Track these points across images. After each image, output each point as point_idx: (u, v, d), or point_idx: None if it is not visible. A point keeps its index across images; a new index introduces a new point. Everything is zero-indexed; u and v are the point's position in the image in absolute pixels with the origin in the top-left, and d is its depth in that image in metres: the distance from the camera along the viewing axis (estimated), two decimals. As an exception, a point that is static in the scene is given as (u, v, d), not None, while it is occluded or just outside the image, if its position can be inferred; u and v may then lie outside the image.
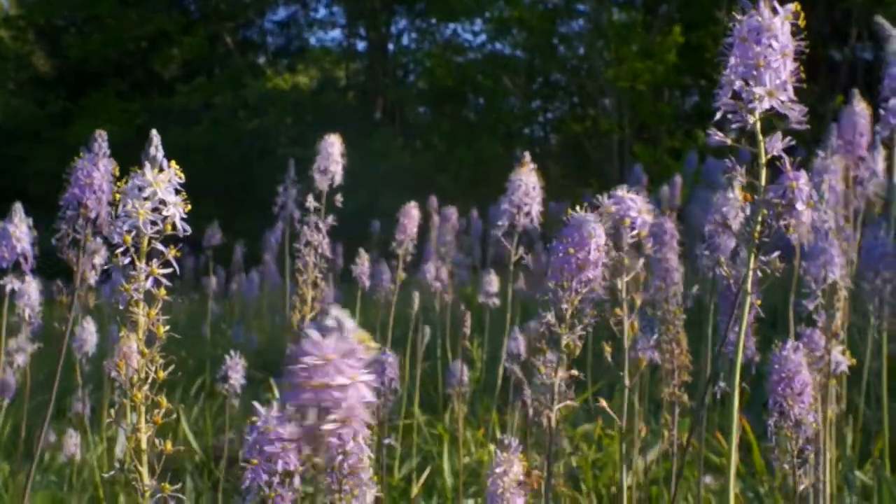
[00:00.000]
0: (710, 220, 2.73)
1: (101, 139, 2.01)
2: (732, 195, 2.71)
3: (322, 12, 26.63)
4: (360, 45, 25.34)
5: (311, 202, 3.02)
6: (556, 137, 21.87)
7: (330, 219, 3.00)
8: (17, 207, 2.30)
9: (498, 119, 20.73)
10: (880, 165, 2.99)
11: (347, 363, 0.93)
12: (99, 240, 2.17)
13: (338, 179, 3.10)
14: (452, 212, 4.39)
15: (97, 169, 1.97)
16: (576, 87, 20.36)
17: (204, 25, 23.68)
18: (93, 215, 1.95)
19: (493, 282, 4.27)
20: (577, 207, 1.49)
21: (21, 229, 2.26)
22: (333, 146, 3.13)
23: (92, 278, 2.43)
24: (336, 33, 31.40)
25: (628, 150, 16.41)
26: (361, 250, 3.95)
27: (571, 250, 1.45)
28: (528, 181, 2.50)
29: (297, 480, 1.01)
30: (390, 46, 24.07)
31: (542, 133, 22.03)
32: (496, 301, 4.26)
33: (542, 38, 18.62)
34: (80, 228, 1.95)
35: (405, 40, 24.91)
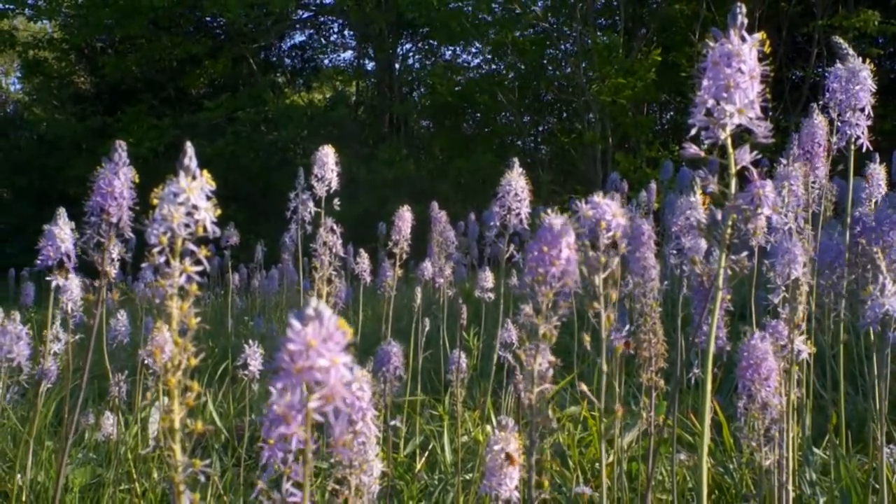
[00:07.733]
0: (675, 222, 2.73)
1: (121, 150, 1.99)
2: (694, 199, 2.71)
3: (335, 36, 26.71)
4: (370, 65, 25.37)
5: (311, 207, 3.01)
6: (546, 148, 21.87)
7: (329, 221, 2.99)
8: (62, 212, 2.31)
9: (493, 132, 20.75)
10: (822, 171, 2.98)
11: (327, 347, 0.94)
12: (120, 242, 2.17)
13: (334, 186, 3.08)
14: (442, 215, 4.46)
15: (118, 178, 1.96)
16: (563, 103, 20.37)
17: (229, 48, 23.70)
18: (115, 220, 1.95)
19: (488, 278, 4.26)
20: (549, 211, 1.49)
21: (65, 231, 2.28)
22: (328, 157, 3.10)
23: (112, 274, 2.44)
24: (347, 55, 31.45)
25: (611, 160, 16.40)
26: (362, 250, 3.99)
27: (545, 248, 1.45)
28: (516, 185, 2.46)
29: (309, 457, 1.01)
30: (396, 66, 24.08)
31: (534, 144, 22.02)
32: (491, 295, 4.26)
33: (533, 59, 18.63)
34: (104, 232, 1.95)
35: (410, 61, 24.96)
